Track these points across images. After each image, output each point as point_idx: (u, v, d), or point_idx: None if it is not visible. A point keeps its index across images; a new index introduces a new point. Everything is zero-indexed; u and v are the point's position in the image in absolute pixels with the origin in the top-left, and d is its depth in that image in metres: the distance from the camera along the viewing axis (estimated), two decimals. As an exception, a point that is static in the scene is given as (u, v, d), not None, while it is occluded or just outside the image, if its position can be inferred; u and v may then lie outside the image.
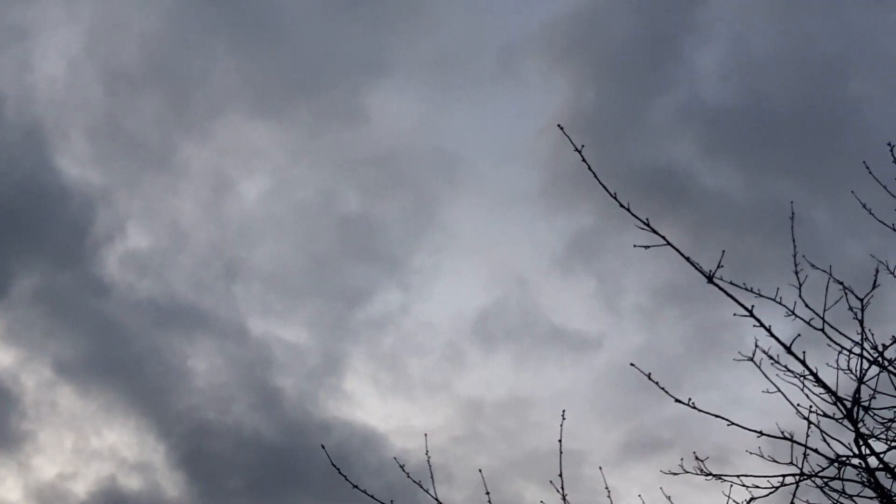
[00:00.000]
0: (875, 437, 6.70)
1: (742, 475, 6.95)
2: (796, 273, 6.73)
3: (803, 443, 6.63)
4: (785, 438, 6.70)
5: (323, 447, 7.46)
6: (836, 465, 6.67)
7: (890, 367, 6.67)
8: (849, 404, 6.52)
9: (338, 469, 7.39)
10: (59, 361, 50.05)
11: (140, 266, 52.38)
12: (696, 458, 7.15)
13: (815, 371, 6.57)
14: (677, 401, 6.72)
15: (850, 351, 6.65)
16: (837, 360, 6.68)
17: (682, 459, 7.40)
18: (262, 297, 56.36)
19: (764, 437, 6.75)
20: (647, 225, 6.31)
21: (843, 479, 6.68)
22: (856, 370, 6.60)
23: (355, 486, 7.35)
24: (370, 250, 56.32)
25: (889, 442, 6.73)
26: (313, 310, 56.86)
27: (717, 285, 6.38)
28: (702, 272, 6.35)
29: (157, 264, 53.47)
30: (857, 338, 6.63)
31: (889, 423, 6.75)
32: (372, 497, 7.31)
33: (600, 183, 6.31)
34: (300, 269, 56.81)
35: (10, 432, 46.01)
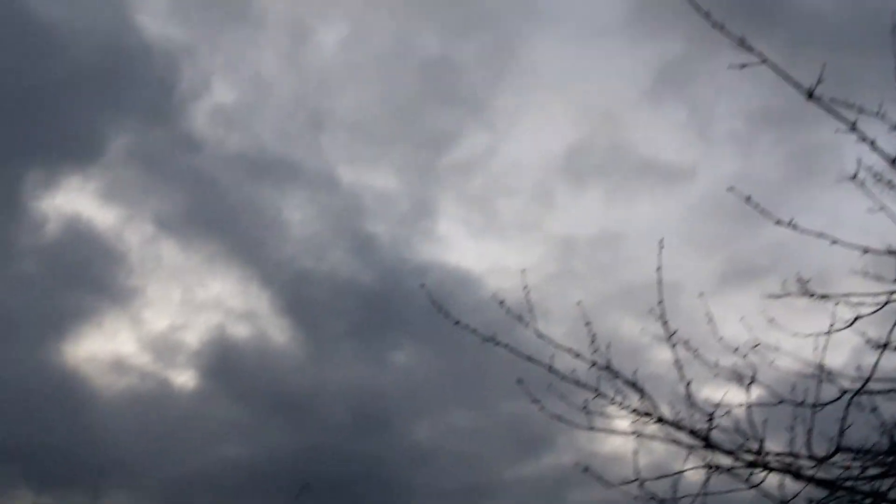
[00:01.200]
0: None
1: (846, 294, 6.87)
2: (900, 85, 6.43)
3: (910, 258, 6.50)
4: (891, 254, 6.56)
5: (423, 286, 7.59)
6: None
7: None
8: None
9: (439, 307, 7.52)
10: (159, 217, 51.55)
11: (228, 120, 52.89)
12: (799, 280, 7.07)
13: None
14: (778, 222, 6.61)
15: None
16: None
17: (783, 282, 7.34)
18: (349, 145, 56.58)
19: (869, 254, 6.63)
20: (742, 43, 6.09)
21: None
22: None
23: (457, 323, 7.50)
24: (453, 93, 55.67)
25: None
26: (401, 156, 56.97)
27: (817, 102, 6.16)
28: (800, 89, 6.14)
29: (244, 118, 53.89)
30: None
31: None
32: (474, 332, 7.45)
33: (690, 1, 6.08)
34: (385, 115, 56.65)
35: (120, 288, 48.02)
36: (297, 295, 48.83)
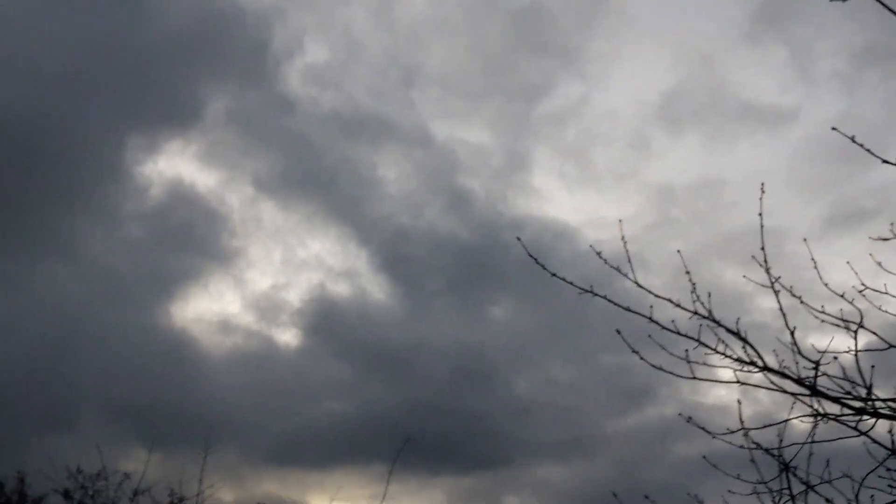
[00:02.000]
0: None
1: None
2: None
3: None
4: None
5: (519, 239, 7.59)
6: None
7: None
8: None
9: (535, 259, 7.53)
10: (257, 179, 52.60)
11: (321, 79, 53.43)
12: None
13: None
14: (885, 162, 6.41)
15: None
16: None
17: (891, 224, 7.13)
18: (442, 101, 56.63)
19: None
20: (845, -23, 5.86)
21: None
22: None
23: (554, 275, 7.49)
24: (544, 42, 55.05)
25: None
26: (493, 109, 56.77)
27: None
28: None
29: (337, 76, 54.37)
30: None
31: None
32: (571, 284, 7.44)
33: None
34: (476, 69, 56.43)
35: (223, 249, 49.26)
36: (395, 252, 49.36)
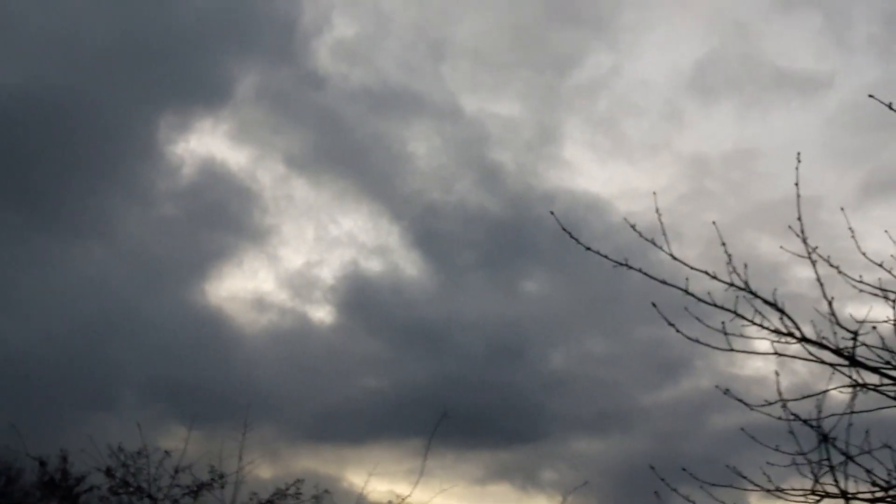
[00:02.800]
0: None
1: None
2: None
3: None
4: None
5: (552, 213, 7.56)
6: None
7: None
8: None
9: (569, 233, 7.50)
10: (288, 156, 52.79)
11: (350, 54, 53.38)
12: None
13: None
14: (924, 129, 6.31)
15: None
16: None
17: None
18: (471, 73, 56.38)
19: None
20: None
21: None
22: None
23: (588, 249, 7.46)
24: (574, 12, 54.56)
25: None
26: (523, 81, 56.43)
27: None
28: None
29: (366, 51, 54.27)
30: None
31: None
32: (605, 257, 7.41)
33: None
34: (505, 41, 56.06)
35: (256, 227, 49.53)
36: (427, 227, 49.40)
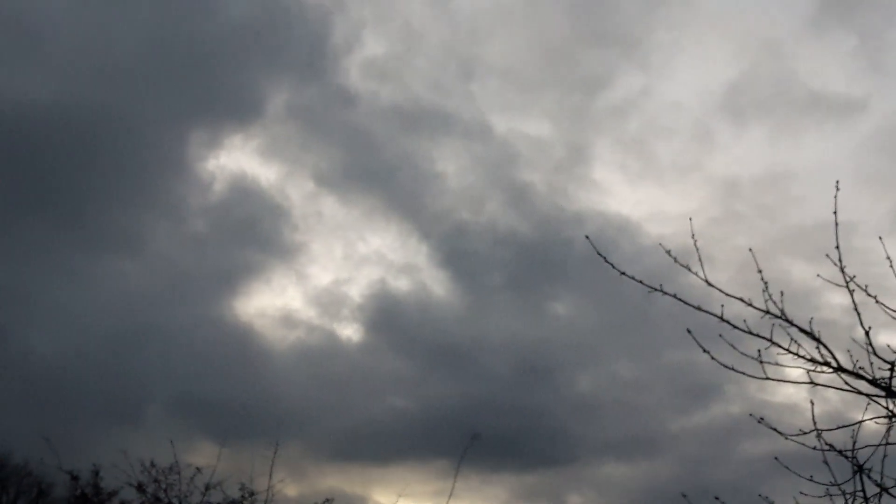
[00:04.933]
0: None
1: None
2: None
3: None
4: None
5: (587, 238, 7.59)
6: None
7: None
8: None
9: (604, 258, 7.53)
10: (318, 173, 53.13)
11: (380, 72, 53.71)
12: None
13: None
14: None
15: None
16: None
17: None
18: (501, 93, 56.47)
19: None
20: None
21: None
22: None
23: (623, 274, 7.48)
24: (604, 32, 54.58)
25: None
26: (553, 101, 56.46)
27: None
28: None
29: (396, 69, 54.58)
30: None
31: None
32: (640, 283, 7.42)
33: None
34: (535, 60, 56.13)
35: (286, 244, 49.81)
36: (456, 247, 49.45)
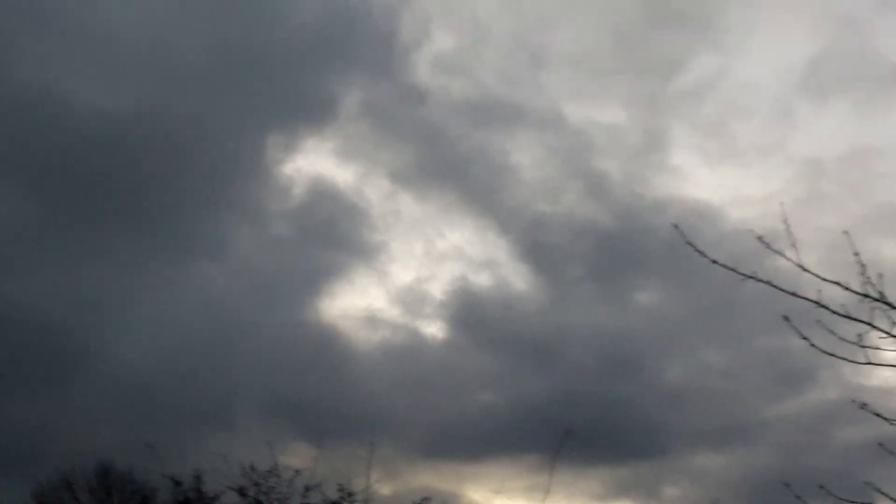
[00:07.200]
0: None
1: None
2: None
3: None
4: None
5: (675, 226, 7.51)
6: None
7: None
8: None
9: (694, 247, 7.44)
10: (393, 171, 53.37)
11: (449, 67, 53.67)
12: None
13: None
14: None
15: None
16: None
17: None
18: (573, 81, 55.96)
19: None
20: None
21: None
22: None
23: (714, 262, 7.39)
24: (677, 13, 53.64)
25: None
26: (626, 87, 55.75)
27: None
28: None
29: (465, 63, 54.49)
30: None
31: None
32: (733, 270, 7.32)
33: None
34: (606, 46, 55.47)
35: (366, 244, 50.20)
36: (535, 240, 49.21)
